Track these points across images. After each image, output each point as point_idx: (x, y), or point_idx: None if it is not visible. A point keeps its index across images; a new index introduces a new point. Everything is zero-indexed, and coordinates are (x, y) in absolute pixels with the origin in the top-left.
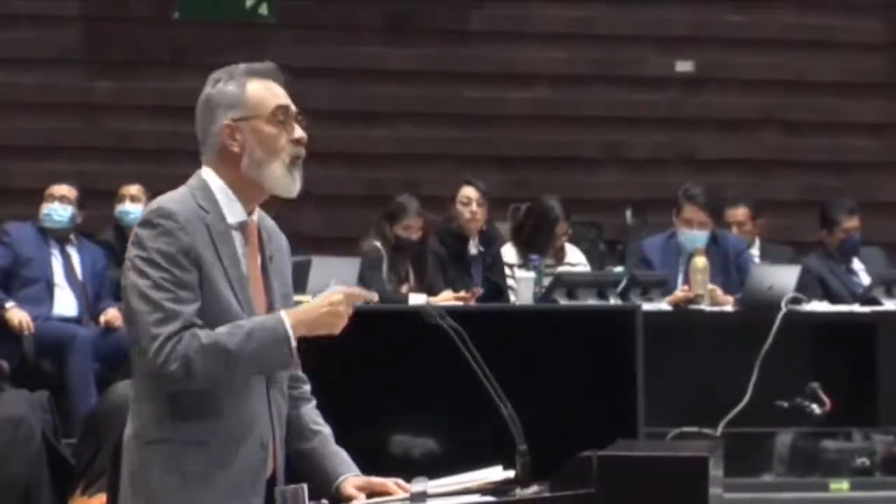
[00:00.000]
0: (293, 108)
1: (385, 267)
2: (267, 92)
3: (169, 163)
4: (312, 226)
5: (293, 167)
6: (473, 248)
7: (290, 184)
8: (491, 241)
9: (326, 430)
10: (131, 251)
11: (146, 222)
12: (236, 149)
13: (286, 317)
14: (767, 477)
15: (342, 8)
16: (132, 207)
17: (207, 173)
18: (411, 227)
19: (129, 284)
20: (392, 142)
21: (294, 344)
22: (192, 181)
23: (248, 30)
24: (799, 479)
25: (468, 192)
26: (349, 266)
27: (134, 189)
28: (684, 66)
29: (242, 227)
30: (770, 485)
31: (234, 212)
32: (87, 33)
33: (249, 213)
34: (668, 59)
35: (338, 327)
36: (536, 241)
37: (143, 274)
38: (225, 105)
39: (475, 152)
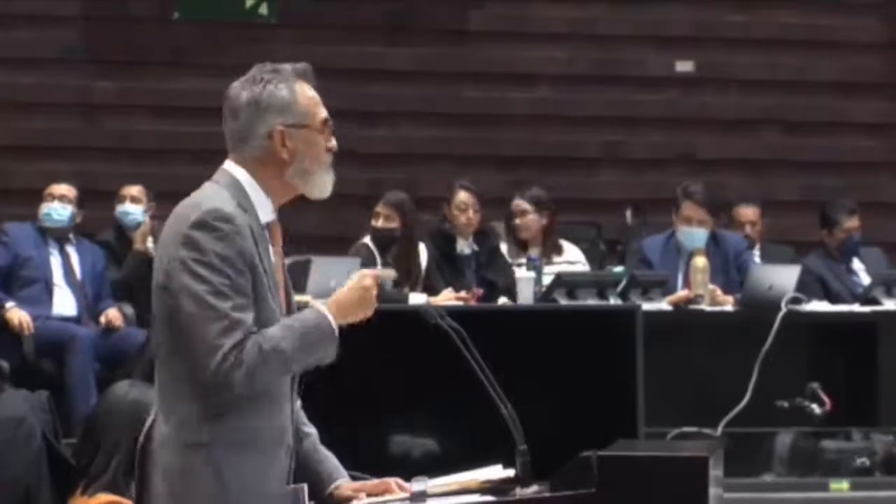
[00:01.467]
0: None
1: (379, 266)
2: (314, 100)
3: (169, 163)
4: (312, 225)
5: (329, 172)
6: (467, 248)
7: (328, 188)
8: (485, 240)
9: (314, 431)
10: (181, 252)
11: (203, 224)
12: (285, 156)
13: (328, 311)
14: (767, 477)
15: (342, 8)
16: (132, 208)
17: (237, 170)
18: (379, 215)
19: (182, 288)
20: (392, 142)
21: (337, 336)
22: (221, 178)
23: (248, 30)
24: (799, 479)
25: (464, 197)
26: (349, 266)
27: (134, 190)
28: (684, 66)
29: (269, 226)
30: (770, 485)
31: (265, 211)
32: (87, 33)
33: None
34: (668, 59)
35: (370, 311)
36: (514, 234)
37: (201, 278)
38: (276, 109)
39: (475, 152)
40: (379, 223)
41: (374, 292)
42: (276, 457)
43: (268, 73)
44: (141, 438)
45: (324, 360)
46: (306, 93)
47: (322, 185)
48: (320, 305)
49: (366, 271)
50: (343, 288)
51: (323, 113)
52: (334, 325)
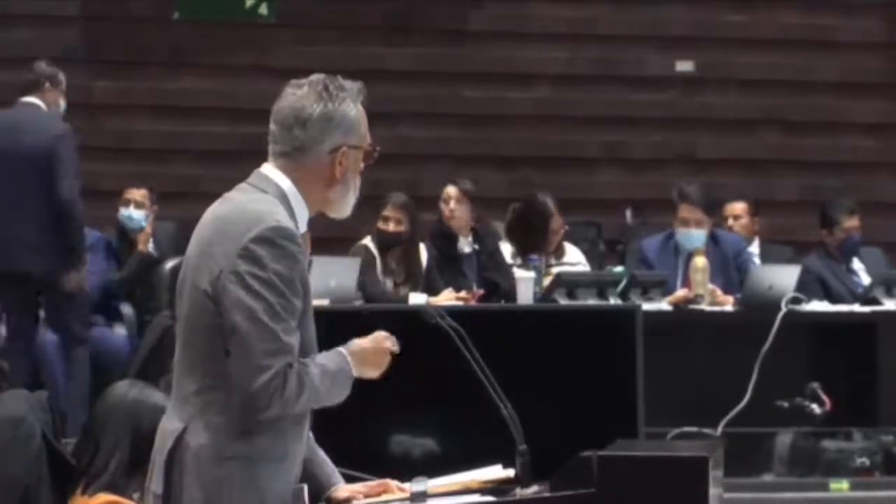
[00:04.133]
0: None
1: (379, 267)
2: (366, 123)
3: (169, 163)
4: (312, 226)
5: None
6: (467, 247)
7: (349, 210)
8: (485, 239)
9: (310, 434)
10: (240, 265)
11: (267, 241)
12: (339, 174)
13: (351, 361)
14: (767, 477)
15: (342, 8)
16: (136, 213)
17: (282, 179)
18: (389, 219)
19: (236, 302)
20: (392, 142)
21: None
22: (267, 187)
23: (248, 30)
24: (799, 479)
25: (448, 190)
26: (349, 266)
27: (138, 195)
28: (684, 66)
29: (303, 236)
30: (770, 485)
31: (302, 222)
32: (87, 33)
33: None
34: (668, 59)
35: (380, 371)
36: (531, 238)
37: (257, 295)
38: (344, 128)
39: (475, 152)
40: (389, 227)
41: (389, 359)
42: (297, 464)
43: (338, 90)
44: (169, 445)
45: (336, 402)
46: (363, 113)
47: (349, 206)
48: (346, 352)
49: (385, 335)
50: (365, 342)
51: (369, 136)
52: (354, 374)
